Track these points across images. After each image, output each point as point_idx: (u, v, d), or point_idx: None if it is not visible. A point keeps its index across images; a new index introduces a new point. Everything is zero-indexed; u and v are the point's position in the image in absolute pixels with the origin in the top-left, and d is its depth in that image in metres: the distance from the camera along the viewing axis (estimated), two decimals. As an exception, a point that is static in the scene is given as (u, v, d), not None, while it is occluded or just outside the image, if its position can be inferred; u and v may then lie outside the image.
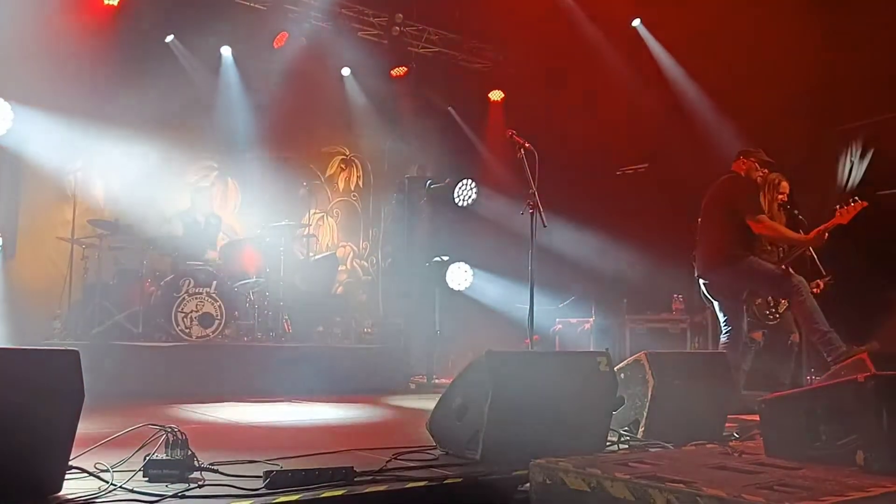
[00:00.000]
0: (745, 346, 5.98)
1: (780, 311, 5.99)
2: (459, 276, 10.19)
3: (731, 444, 3.80)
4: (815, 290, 5.92)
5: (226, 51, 9.36)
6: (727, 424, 4.45)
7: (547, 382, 3.57)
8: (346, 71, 10.23)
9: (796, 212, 5.92)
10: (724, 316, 5.53)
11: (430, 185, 9.92)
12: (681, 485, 2.51)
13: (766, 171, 5.67)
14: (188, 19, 8.83)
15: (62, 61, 7.98)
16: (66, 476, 2.64)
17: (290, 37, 9.39)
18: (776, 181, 6.06)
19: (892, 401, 3.03)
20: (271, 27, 9.35)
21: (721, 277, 5.52)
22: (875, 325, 6.61)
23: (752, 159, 5.65)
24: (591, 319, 8.80)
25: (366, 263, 10.93)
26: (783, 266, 5.49)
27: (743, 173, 5.64)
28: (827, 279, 5.95)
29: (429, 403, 3.78)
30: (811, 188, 6.64)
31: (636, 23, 9.14)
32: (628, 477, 2.64)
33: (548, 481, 2.88)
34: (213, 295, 6.97)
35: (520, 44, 9.51)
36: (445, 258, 9.44)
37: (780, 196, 6.04)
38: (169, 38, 8.91)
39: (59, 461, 2.60)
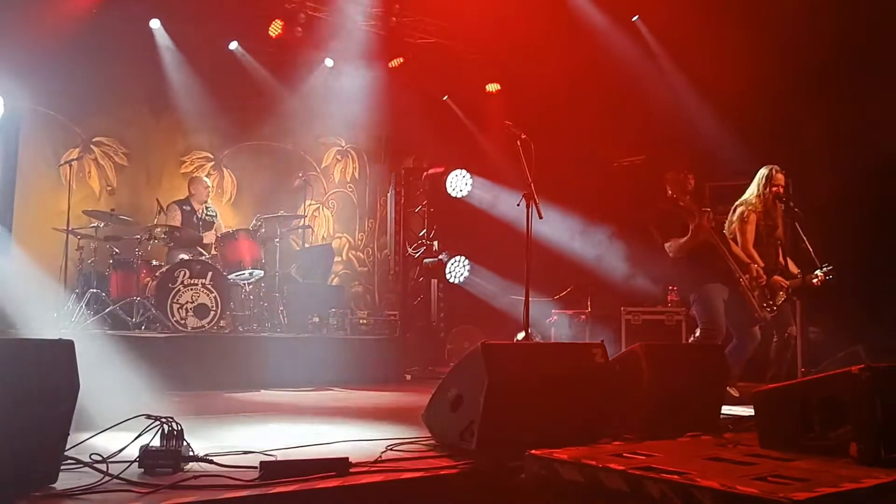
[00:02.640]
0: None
1: (778, 304, 6.00)
2: (457, 268, 10.18)
3: (725, 435, 3.82)
4: (815, 281, 5.94)
5: (218, 39, 9.29)
6: (722, 416, 4.46)
7: (542, 374, 3.58)
8: (328, 62, 10.16)
9: (791, 203, 5.92)
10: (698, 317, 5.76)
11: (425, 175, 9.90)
12: (675, 476, 2.52)
13: (690, 177, 5.84)
14: (178, 5, 8.76)
15: (53, 51, 7.94)
16: (62, 467, 2.64)
17: (286, 26, 9.33)
18: (769, 173, 6.07)
19: (885, 392, 3.04)
20: (266, 16, 9.29)
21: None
22: (867, 319, 6.64)
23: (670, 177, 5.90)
24: (587, 311, 8.81)
25: (361, 255, 10.92)
26: None
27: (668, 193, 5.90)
28: (828, 269, 5.96)
29: (424, 395, 3.79)
30: (809, 179, 6.64)
31: (635, 19, 9.13)
32: (623, 468, 2.65)
33: (543, 472, 2.89)
34: (209, 286, 6.96)
35: (518, 35, 9.48)
36: (442, 257, 9.44)
37: (773, 188, 6.05)
38: (155, 25, 8.81)
39: (54, 452, 2.60)
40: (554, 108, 9.12)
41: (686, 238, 5.64)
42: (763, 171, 6.12)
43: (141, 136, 8.93)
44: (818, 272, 5.93)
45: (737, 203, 6.14)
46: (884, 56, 7.02)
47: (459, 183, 10.41)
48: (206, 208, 8.20)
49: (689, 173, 5.86)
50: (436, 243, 9.97)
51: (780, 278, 5.96)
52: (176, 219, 7.83)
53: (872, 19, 6.98)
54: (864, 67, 7.14)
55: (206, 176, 9.06)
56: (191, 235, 7.64)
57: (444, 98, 10.64)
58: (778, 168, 6.10)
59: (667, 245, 5.75)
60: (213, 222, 8.20)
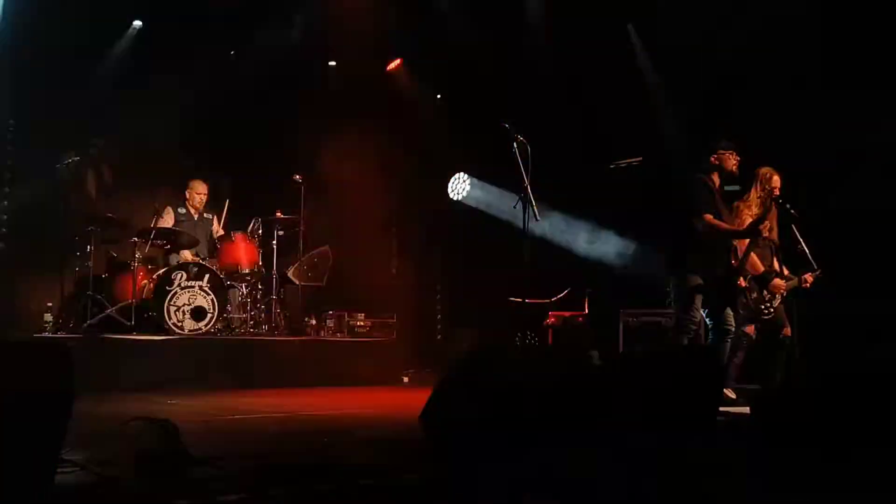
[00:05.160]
0: (737, 340, 6.01)
1: (774, 305, 6.01)
2: (457, 185, 10.18)
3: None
4: (804, 284, 5.96)
5: (216, 40, 9.26)
6: (718, 417, 4.46)
7: (539, 377, 3.58)
8: (332, 63, 10.18)
9: (788, 206, 5.92)
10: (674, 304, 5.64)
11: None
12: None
13: (734, 155, 5.70)
14: (175, 6, 8.75)
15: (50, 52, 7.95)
16: (58, 470, 2.64)
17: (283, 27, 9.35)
18: (768, 175, 6.07)
19: (882, 394, 3.05)
20: (265, 16, 9.29)
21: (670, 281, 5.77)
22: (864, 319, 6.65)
23: (720, 151, 5.71)
24: (584, 313, 8.81)
25: (359, 257, 10.89)
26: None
27: (707, 171, 5.72)
28: (817, 273, 5.98)
29: (421, 397, 3.78)
30: (802, 183, 6.65)
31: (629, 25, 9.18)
32: (620, 470, 2.65)
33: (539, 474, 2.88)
34: (206, 288, 6.96)
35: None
36: None
37: (773, 190, 6.05)
38: (137, 25, 8.76)
39: (50, 456, 2.59)
40: (552, 109, 9.12)
41: (735, 228, 5.57)
42: (761, 172, 6.12)
43: (139, 137, 8.90)
44: (808, 275, 5.94)
45: (733, 206, 6.12)
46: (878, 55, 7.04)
47: (458, 185, 10.43)
48: (203, 211, 8.19)
49: (734, 151, 5.71)
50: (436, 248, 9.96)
51: (781, 281, 5.97)
52: (168, 220, 7.81)
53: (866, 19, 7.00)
54: (857, 66, 7.16)
55: (204, 178, 9.05)
56: (188, 238, 7.64)
57: (437, 96, 10.66)
58: (774, 170, 6.11)
59: (701, 219, 5.45)
60: (210, 225, 8.20)
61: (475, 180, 10.26)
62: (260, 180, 9.75)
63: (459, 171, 10.48)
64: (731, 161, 5.70)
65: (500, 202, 9.34)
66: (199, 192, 8.09)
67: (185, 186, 8.23)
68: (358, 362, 7.49)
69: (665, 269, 5.78)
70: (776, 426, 3.34)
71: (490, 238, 9.35)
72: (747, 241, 5.79)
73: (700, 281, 5.51)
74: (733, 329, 5.60)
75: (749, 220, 5.89)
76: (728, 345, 5.59)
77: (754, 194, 6.05)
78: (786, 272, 6.05)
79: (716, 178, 5.71)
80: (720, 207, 5.60)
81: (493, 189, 9.77)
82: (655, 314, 8.07)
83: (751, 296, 5.96)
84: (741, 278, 5.82)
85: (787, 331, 6.05)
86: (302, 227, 8.59)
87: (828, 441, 3.09)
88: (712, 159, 5.71)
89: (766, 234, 5.62)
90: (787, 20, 7.19)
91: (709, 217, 5.47)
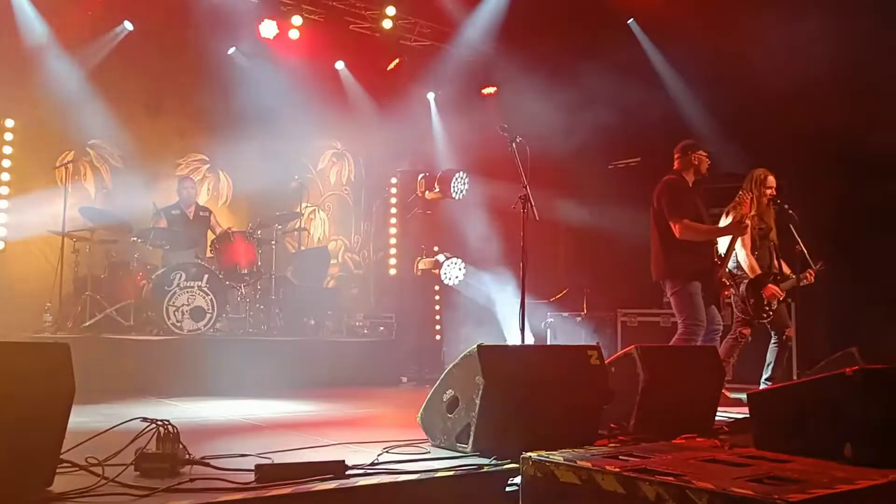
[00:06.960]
0: (733, 341, 6.02)
1: (774, 308, 6.02)
2: (453, 271, 10.18)
3: (721, 437, 3.83)
4: (804, 282, 5.97)
5: (213, 41, 9.27)
6: (717, 417, 4.48)
7: (538, 376, 3.59)
8: (339, 64, 10.20)
9: (786, 206, 5.93)
10: (678, 312, 5.61)
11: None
12: (671, 478, 2.52)
13: (707, 157, 5.76)
14: (172, 8, 8.73)
15: (49, 52, 7.95)
16: (58, 470, 2.64)
17: (282, 29, 9.35)
18: (762, 176, 6.07)
19: (879, 393, 3.06)
20: (261, 18, 9.30)
21: (665, 287, 5.73)
22: (862, 320, 6.67)
23: (691, 153, 5.74)
24: (583, 313, 8.82)
25: (357, 257, 10.90)
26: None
27: (679, 171, 5.74)
28: (818, 267, 5.99)
29: (420, 397, 3.80)
30: (801, 184, 6.67)
31: (630, 20, 9.17)
32: (618, 470, 2.65)
33: (538, 474, 2.89)
34: (205, 289, 6.96)
35: (514, 37, 9.50)
36: (440, 258, 9.41)
37: (767, 191, 6.05)
38: (129, 27, 8.71)
39: (50, 455, 2.60)
40: (550, 110, 9.13)
41: (715, 227, 5.67)
42: (755, 174, 6.12)
43: (136, 138, 8.90)
44: (809, 270, 5.96)
45: (729, 207, 6.12)
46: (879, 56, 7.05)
47: (458, 185, 10.43)
48: (200, 211, 8.18)
49: (705, 153, 5.75)
50: (436, 248, 9.98)
51: (775, 288, 5.96)
52: (170, 223, 7.81)
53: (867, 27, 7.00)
54: (859, 69, 7.16)
55: (201, 178, 9.06)
56: (187, 237, 7.64)
57: (432, 96, 10.68)
58: (769, 170, 6.12)
59: (679, 223, 5.46)
60: (208, 225, 8.19)
61: (475, 179, 10.26)
62: (259, 180, 9.76)
63: (459, 171, 10.47)
64: (706, 163, 5.77)
65: (499, 202, 9.34)
66: (185, 190, 8.08)
67: (177, 186, 8.24)
68: (358, 362, 7.49)
69: (654, 276, 5.77)
70: (776, 426, 3.34)
71: (490, 238, 9.35)
72: (730, 238, 5.79)
73: (694, 282, 5.52)
74: (721, 328, 5.63)
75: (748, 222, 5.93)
76: (719, 343, 5.62)
77: (749, 195, 6.05)
78: (786, 270, 6.07)
79: (689, 178, 5.74)
80: (698, 207, 5.63)
81: (493, 188, 9.77)
82: (653, 314, 8.08)
83: (749, 302, 5.94)
84: (724, 276, 5.81)
85: (790, 331, 6.07)
86: (301, 227, 8.58)
87: (827, 440, 3.09)
88: (692, 158, 5.73)
89: (746, 231, 5.67)
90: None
91: (686, 221, 5.51)
